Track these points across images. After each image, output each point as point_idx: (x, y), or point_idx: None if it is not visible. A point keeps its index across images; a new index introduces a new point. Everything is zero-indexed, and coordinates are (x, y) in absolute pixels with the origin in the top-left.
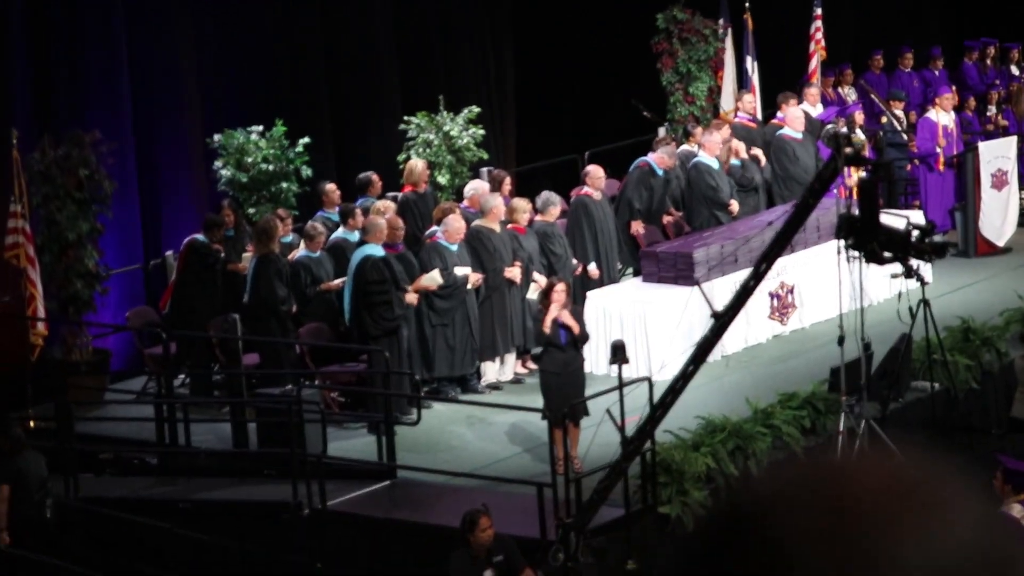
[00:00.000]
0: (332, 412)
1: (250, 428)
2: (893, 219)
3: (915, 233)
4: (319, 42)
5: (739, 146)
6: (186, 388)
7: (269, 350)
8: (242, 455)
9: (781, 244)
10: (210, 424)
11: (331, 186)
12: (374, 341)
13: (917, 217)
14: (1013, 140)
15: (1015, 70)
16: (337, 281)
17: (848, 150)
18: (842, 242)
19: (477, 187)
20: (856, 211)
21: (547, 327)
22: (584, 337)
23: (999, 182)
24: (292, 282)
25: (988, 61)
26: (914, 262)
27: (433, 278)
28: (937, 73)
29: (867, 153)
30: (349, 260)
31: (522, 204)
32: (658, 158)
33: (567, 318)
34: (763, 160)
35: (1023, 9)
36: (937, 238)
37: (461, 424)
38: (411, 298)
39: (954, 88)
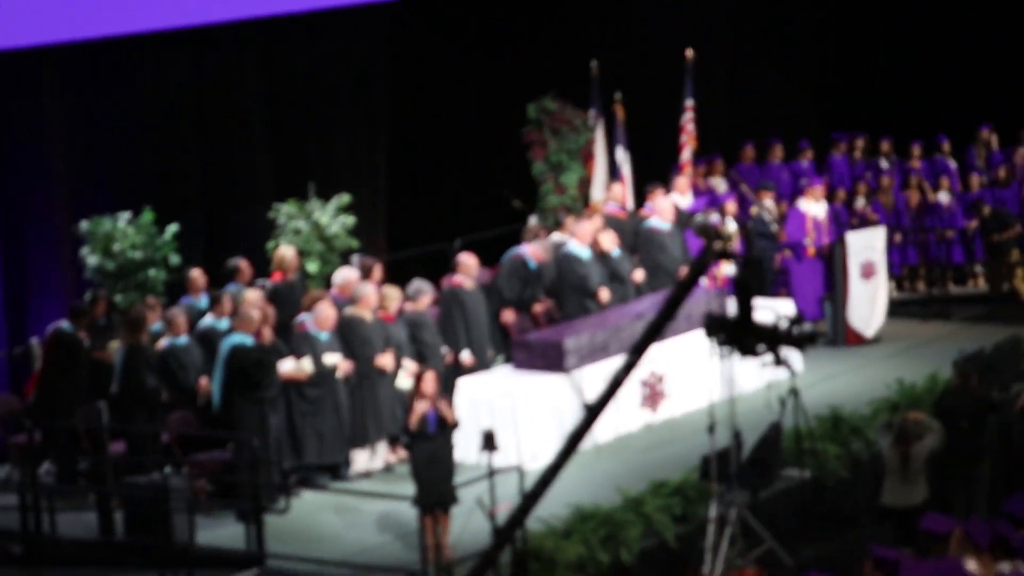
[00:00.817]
0: (200, 500)
1: (117, 517)
2: (763, 312)
3: (784, 323)
4: (190, 128)
5: (609, 238)
6: (51, 477)
7: (136, 438)
8: (109, 544)
9: (651, 336)
10: (76, 513)
11: (196, 272)
12: (244, 426)
13: (786, 307)
14: (882, 231)
15: (884, 163)
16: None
17: (718, 244)
18: (712, 339)
19: (347, 275)
20: (722, 309)
21: (413, 423)
22: (454, 425)
23: (867, 272)
24: (162, 371)
25: (856, 153)
26: (785, 351)
27: (302, 367)
28: (806, 164)
29: (737, 244)
30: (217, 347)
31: (392, 292)
32: (533, 251)
33: (443, 406)
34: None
35: (892, 102)
36: (807, 326)
37: (331, 512)
38: (287, 367)
39: (824, 179)
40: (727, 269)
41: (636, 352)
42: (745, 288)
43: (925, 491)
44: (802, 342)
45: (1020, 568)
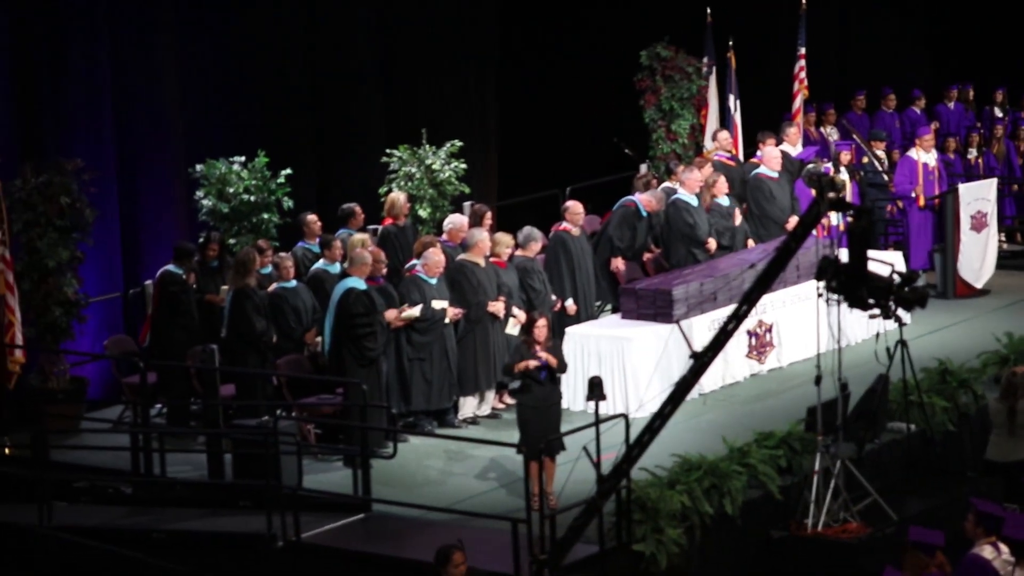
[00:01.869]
0: (308, 444)
1: (226, 459)
2: (877, 265)
3: (897, 280)
4: (302, 74)
5: (722, 184)
6: (163, 418)
7: (246, 381)
8: (217, 486)
9: (762, 287)
10: (186, 455)
11: (312, 217)
12: (353, 373)
13: (896, 259)
14: (993, 182)
15: (997, 112)
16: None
17: (831, 195)
18: (823, 284)
19: (457, 221)
20: (837, 254)
21: (530, 364)
22: (561, 368)
23: (979, 224)
24: (272, 314)
25: (968, 103)
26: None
27: (407, 313)
28: (918, 113)
29: (849, 194)
30: (328, 291)
31: (505, 239)
32: (645, 200)
33: (550, 355)
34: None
35: (1005, 52)
36: (920, 285)
37: (437, 458)
38: (391, 315)
39: (934, 128)
40: (839, 219)
41: (745, 302)
42: (860, 239)
43: None
44: (913, 303)
45: None
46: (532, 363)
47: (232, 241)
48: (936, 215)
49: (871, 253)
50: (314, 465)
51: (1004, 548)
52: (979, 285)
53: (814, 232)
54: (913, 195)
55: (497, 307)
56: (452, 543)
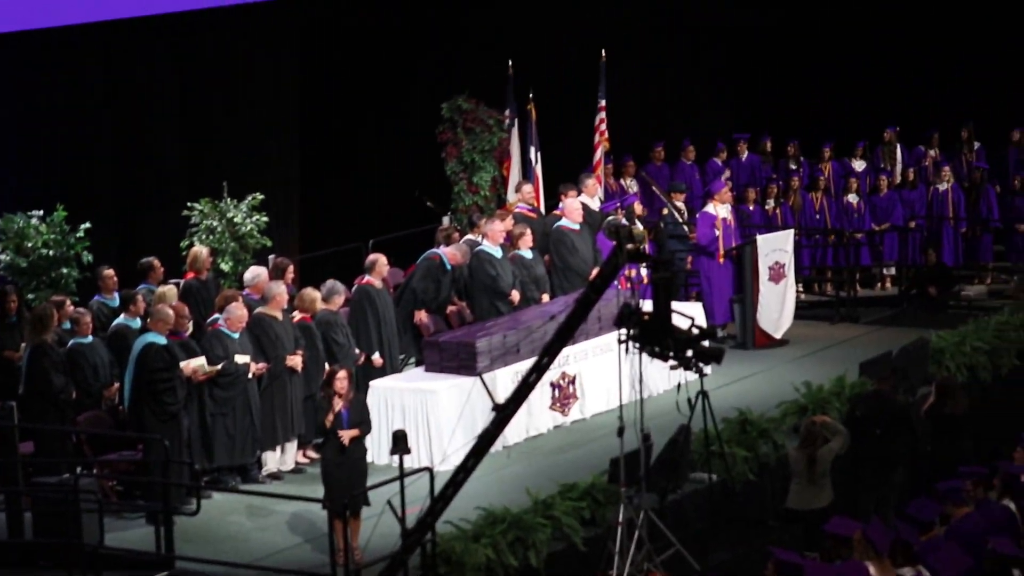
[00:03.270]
0: (110, 501)
1: (26, 518)
2: (678, 318)
3: (696, 333)
4: (100, 127)
5: (527, 237)
6: None
7: (45, 438)
8: (17, 545)
9: (563, 338)
10: None
11: (108, 271)
12: (153, 429)
13: (696, 311)
14: (790, 233)
15: (792, 164)
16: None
17: (629, 246)
18: (623, 331)
19: (259, 273)
20: (637, 302)
21: (329, 420)
22: (367, 430)
23: (776, 275)
24: (70, 369)
25: (764, 155)
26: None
27: (200, 364)
28: (717, 165)
29: (647, 245)
30: (131, 346)
31: (311, 293)
32: (450, 253)
33: (345, 437)
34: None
35: (800, 106)
36: (719, 341)
37: (241, 514)
38: (189, 369)
39: (727, 180)
40: (641, 271)
41: (547, 354)
42: (663, 291)
43: (830, 494)
44: (710, 358)
45: (922, 573)
46: (333, 408)
47: (31, 296)
48: (734, 267)
49: (673, 305)
50: (116, 523)
51: None
52: (778, 335)
53: (616, 283)
54: (714, 251)
55: (295, 361)
56: None
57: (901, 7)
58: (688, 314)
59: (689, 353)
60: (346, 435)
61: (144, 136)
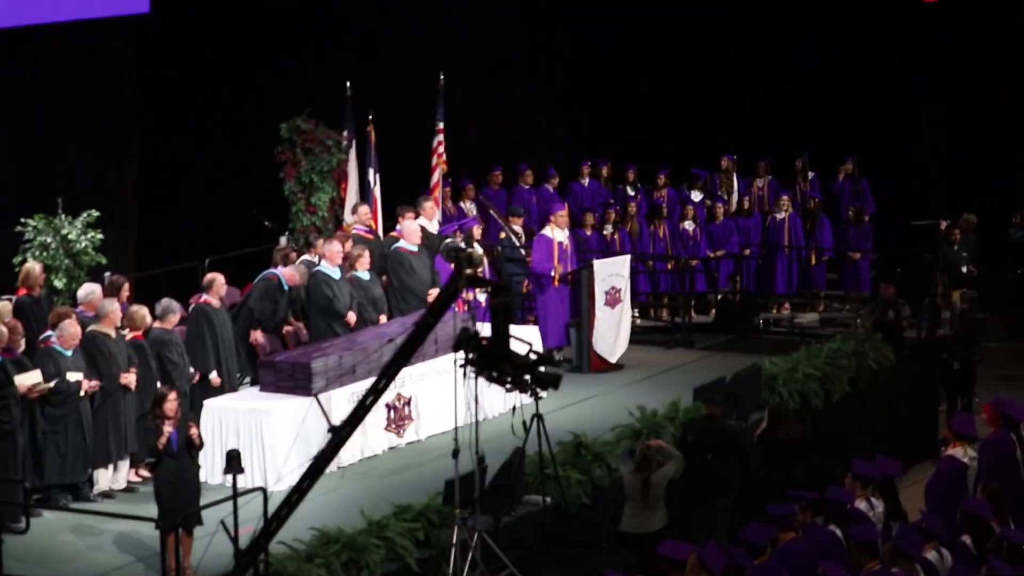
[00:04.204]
0: None
1: None
2: (516, 343)
3: (534, 358)
4: None
5: (365, 258)
6: None
7: None
8: None
9: (400, 361)
10: None
11: None
12: None
13: (535, 336)
14: (627, 259)
15: (630, 191)
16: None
17: (468, 271)
18: (460, 355)
19: (93, 291)
20: (475, 327)
21: (162, 442)
22: (199, 446)
23: (612, 300)
24: None
25: (602, 180)
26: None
27: (31, 377)
28: (553, 190)
29: (485, 268)
30: None
31: (143, 311)
32: (288, 273)
33: (190, 427)
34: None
35: (637, 131)
36: (556, 366)
37: (72, 533)
38: (23, 386)
39: (567, 206)
40: (478, 295)
41: (384, 376)
42: (501, 316)
43: (664, 518)
44: (547, 384)
45: None
46: (164, 428)
47: None
48: (571, 291)
49: (511, 329)
50: None
51: None
52: (613, 360)
53: (453, 306)
54: (552, 273)
55: (129, 379)
56: None
57: (738, 38)
58: (526, 339)
59: (527, 378)
60: (194, 432)
61: None
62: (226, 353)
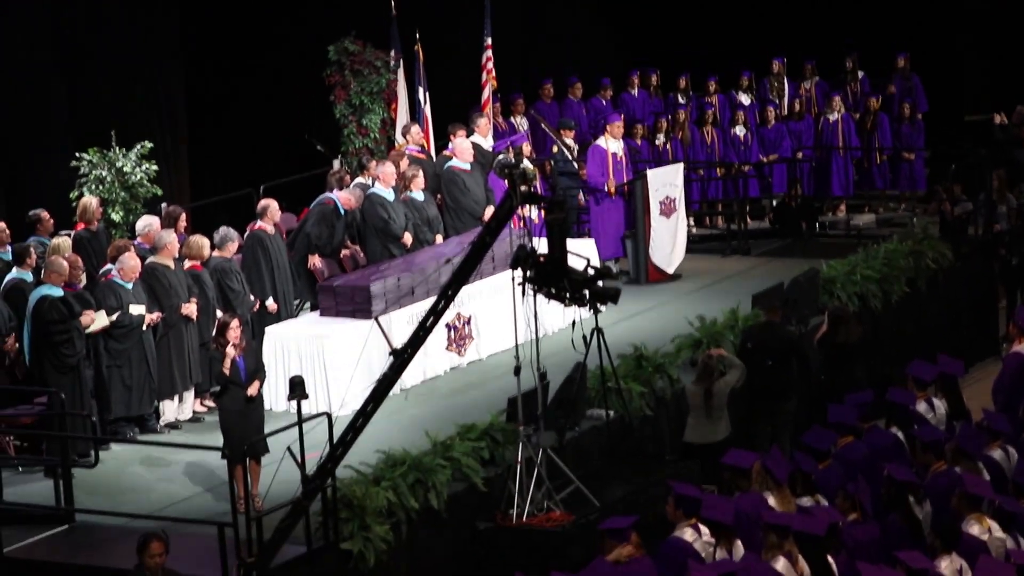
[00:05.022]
0: (7, 455)
1: None
2: (573, 259)
3: (592, 274)
4: None
5: (419, 179)
6: None
7: None
8: None
9: (458, 282)
10: None
11: (0, 224)
12: (54, 381)
13: (591, 249)
14: (680, 167)
15: (681, 98)
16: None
17: (523, 188)
18: (519, 273)
19: (150, 223)
20: (533, 244)
21: (227, 367)
22: (263, 374)
23: (667, 209)
24: None
25: (652, 90)
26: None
27: (96, 319)
28: (605, 102)
29: (539, 183)
30: (27, 300)
31: (201, 240)
32: (344, 198)
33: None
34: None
35: (687, 38)
36: (614, 281)
37: (140, 465)
38: (86, 320)
39: (622, 116)
40: (533, 211)
41: (443, 298)
42: (558, 231)
43: (728, 427)
44: (605, 299)
45: (821, 503)
46: (229, 356)
47: None
48: (626, 202)
49: (568, 245)
50: (14, 477)
51: (704, 529)
52: (671, 270)
53: (509, 223)
54: (606, 187)
55: (190, 309)
56: (154, 531)
57: None
58: (583, 254)
59: (586, 293)
60: (252, 388)
61: (25, 87)
62: (282, 279)
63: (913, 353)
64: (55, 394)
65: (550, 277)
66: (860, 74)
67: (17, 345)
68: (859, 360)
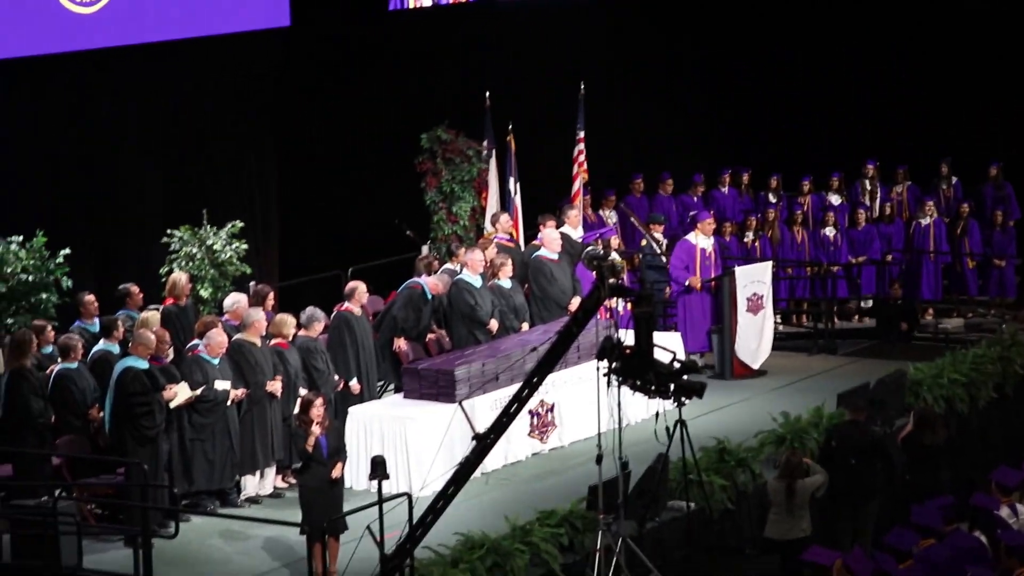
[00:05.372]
0: (88, 524)
1: (4, 540)
2: (659, 352)
3: (677, 367)
4: (74, 153)
5: (508, 267)
6: None
7: (24, 462)
8: None
9: (544, 370)
10: None
11: (89, 297)
12: (133, 452)
13: (676, 342)
14: (768, 265)
15: (772, 197)
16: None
17: (611, 280)
18: (604, 364)
19: (238, 300)
20: (619, 335)
21: (310, 445)
22: (344, 455)
23: (755, 306)
24: (59, 394)
25: (742, 188)
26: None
27: (182, 391)
28: (696, 199)
29: (626, 276)
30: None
31: (288, 319)
32: (432, 283)
33: (335, 473)
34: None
35: (780, 138)
36: (699, 376)
37: (219, 538)
38: (169, 394)
39: (712, 213)
40: (619, 303)
41: (528, 386)
42: (645, 325)
43: (809, 526)
44: (691, 392)
45: None
46: (312, 434)
47: (10, 321)
48: (713, 297)
49: (655, 338)
50: (94, 545)
51: None
52: (756, 366)
53: (595, 314)
54: (687, 283)
55: (274, 386)
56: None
57: (879, 43)
58: (670, 348)
59: (671, 386)
60: (336, 471)
61: (122, 164)
62: (366, 360)
63: (998, 459)
64: (137, 465)
65: (636, 369)
66: (953, 179)
67: (101, 415)
68: (943, 462)
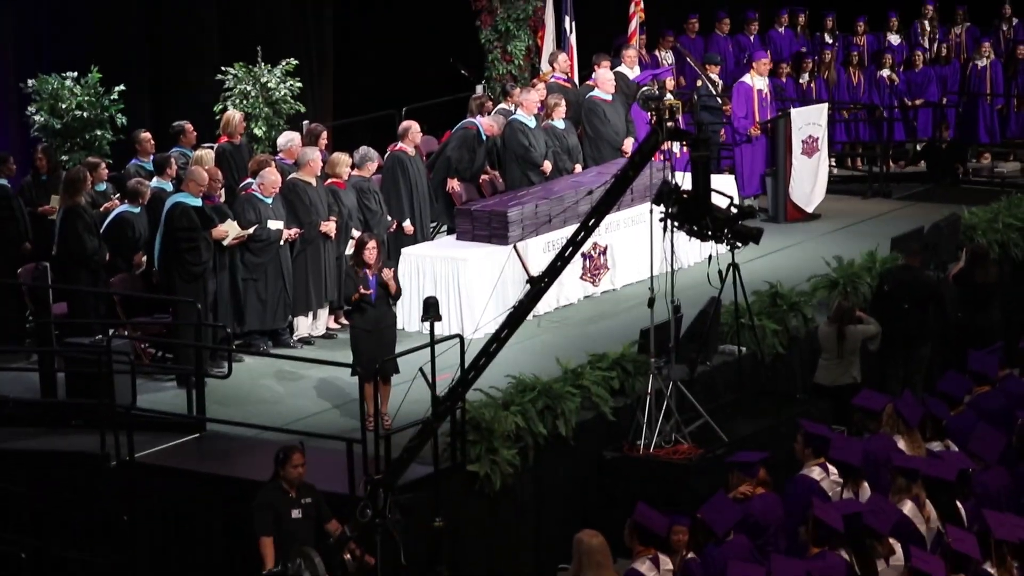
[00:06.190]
0: (142, 363)
1: (59, 377)
2: (716, 196)
3: (734, 212)
4: None
5: (561, 107)
6: None
7: (79, 300)
8: (50, 405)
9: (599, 214)
10: (18, 372)
11: (145, 135)
12: (179, 290)
13: (731, 185)
14: (824, 107)
15: (828, 38)
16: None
17: (669, 124)
18: (659, 208)
19: (292, 139)
20: (676, 180)
21: (362, 289)
22: (397, 294)
23: (810, 149)
24: (114, 236)
25: (799, 29)
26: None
27: (232, 229)
28: (752, 38)
29: (681, 117)
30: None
31: (343, 159)
32: (487, 124)
33: (387, 276)
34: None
35: None
36: (756, 221)
37: (271, 378)
38: (219, 232)
39: (768, 53)
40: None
41: (583, 229)
42: (702, 169)
43: (859, 372)
44: (748, 238)
45: (951, 448)
46: (363, 291)
47: (65, 158)
48: (768, 139)
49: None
50: (148, 385)
51: (832, 469)
52: (810, 209)
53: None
54: (750, 132)
55: (329, 227)
56: (293, 443)
57: None
58: (727, 193)
59: (727, 232)
60: (388, 276)
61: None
62: (420, 201)
63: None
64: (190, 304)
65: (693, 214)
66: (1015, 21)
67: (145, 258)
68: (995, 300)
